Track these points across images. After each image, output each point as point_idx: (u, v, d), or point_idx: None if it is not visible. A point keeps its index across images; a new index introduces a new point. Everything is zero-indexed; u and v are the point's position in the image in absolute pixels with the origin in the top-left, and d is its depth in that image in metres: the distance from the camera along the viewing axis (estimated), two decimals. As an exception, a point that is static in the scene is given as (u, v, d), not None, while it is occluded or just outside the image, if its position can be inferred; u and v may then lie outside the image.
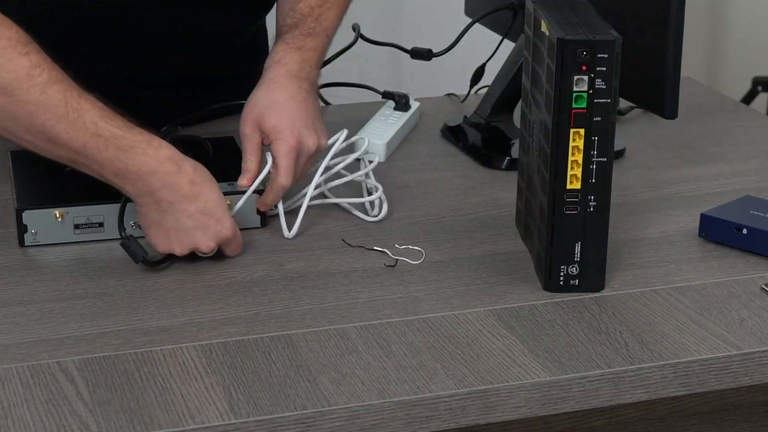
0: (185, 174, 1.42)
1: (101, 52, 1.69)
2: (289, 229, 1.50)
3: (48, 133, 1.40)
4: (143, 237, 1.47)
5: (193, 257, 1.44)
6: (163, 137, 1.61)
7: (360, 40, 1.91)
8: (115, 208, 1.46)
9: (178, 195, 1.41)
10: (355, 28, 1.91)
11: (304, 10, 1.64)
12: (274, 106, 1.54)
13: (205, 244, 1.42)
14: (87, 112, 1.40)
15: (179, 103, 1.81)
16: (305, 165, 1.54)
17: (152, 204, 1.41)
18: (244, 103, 1.63)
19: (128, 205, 1.45)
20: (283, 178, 1.51)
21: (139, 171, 1.40)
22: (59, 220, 1.46)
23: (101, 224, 1.48)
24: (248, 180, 1.51)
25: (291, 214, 1.53)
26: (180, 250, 1.42)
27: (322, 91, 1.95)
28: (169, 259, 1.43)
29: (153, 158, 1.41)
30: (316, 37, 1.63)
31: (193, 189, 1.41)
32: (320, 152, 1.55)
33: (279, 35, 1.63)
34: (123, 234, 1.43)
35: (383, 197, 1.56)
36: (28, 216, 1.45)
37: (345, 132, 1.56)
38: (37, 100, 1.39)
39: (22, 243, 1.46)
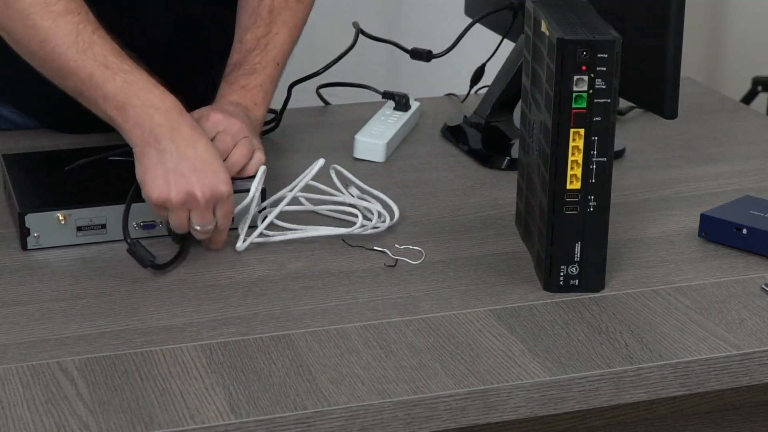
0: (187, 119, 1.43)
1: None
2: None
3: (57, 61, 1.44)
4: (148, 237, 1.47)
5: (194, 258, 1.44)
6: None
7: (360, 40, 1.91)
8: (117, 209, 1.46)
9: (178, 136, 1.41)
10: (355, 25, 1.91)
11: (250, 44, 1.64)
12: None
13: (201, 189, 1.40)
14: (98, 45, 1.43)
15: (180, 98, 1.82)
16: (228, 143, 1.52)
17: (152, 142, 1.41)
18: None
19: (132, 206, 1.45)
20: None
21: (143, 104, 1.42)
22: (62, 222, 1.46)
23: (104, 226, 1.47)
24: None
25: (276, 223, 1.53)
26: (176, 194, 1.40)
27: (322, 91, 1.95)
28: (176, 260, 1.42)
29: (158, 97, 1.43)
30: (262, 72, 1.63)
31: (194, 135, 1.42)
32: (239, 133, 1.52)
33: (224, 75, 1.64)
34: (129, 240, 1.42)
35: (382, 210, 1.54)
36: (30, 219, 1.45)
37: (321, 161, 1.49)
38: (48, 27, 1.43)
39: (24, 247, 1.46)
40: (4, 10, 1.45)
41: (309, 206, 1.54)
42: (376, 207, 1.52)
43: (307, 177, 1.49)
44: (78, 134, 1.80)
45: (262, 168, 1.48)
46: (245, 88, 1.62)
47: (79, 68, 1.43)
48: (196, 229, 1.43)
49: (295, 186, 1.50)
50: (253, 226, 1.50)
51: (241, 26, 1.66)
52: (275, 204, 1.51)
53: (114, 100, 1.43)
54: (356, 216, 1.51)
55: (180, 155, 1.41)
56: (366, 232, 1.50)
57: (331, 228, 1.50)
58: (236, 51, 1.65)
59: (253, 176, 1.49)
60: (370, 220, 1.51)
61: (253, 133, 1.56)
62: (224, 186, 1.42)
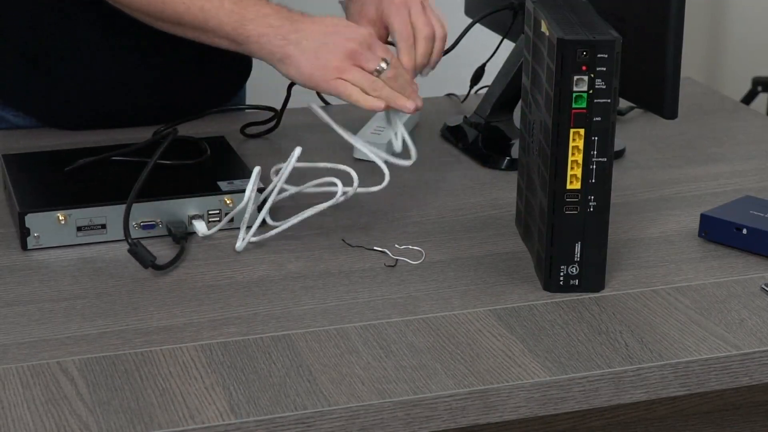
0: (291, 10, 1.53)
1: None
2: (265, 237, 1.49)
3: (167, 10, 1.57)
4: (149, 237, 1.48)
5: (194, 258, 1.45)
6: (162, 138, 1.62)
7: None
8: (117, 209, 1.46)
9: (299, 24, 1.50)
10: None
11: None
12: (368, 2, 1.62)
13: (352, 41, 1.48)
14: None
15: (178, 95, 1.83)
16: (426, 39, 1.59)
17: (284, 43, 1.50)
18: (237, 108, 1.64)
19: (132, 207, 1.45)
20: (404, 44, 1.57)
21: (257, 16, 1.51)
22: (62, 222, 1.46)
23: (104, 226, 1.47)
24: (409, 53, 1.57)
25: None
26: (336, 61, 1.48)
27: (322, 91, 1.95)
28: (177, 260, 1.42)
29: (265, 4, 1.53)
30: None
31: (307, 17, 1.51)
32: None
33: None
34: (130, 240, 1.42)
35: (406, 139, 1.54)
36: (30, 219, 1.45)
37: (299, 150, 1.48)
38: None
39: (24, 247, 1.46)
40: None
41: (293, 189, 1.53)
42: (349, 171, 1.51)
43: (288, 168, 1.47)
44: (79, 132, 1.80)
45: (257, 168, 1.48)
46: None
47: (190, 7, 1.54)
48: (381, 76, 1.49)
49: (279, 180, 1.48)
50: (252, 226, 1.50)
51: None
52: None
53: (230, 23, 1.52)
54: (336, 185, 1.49)
55: (312, 34, 1.49)
56: (343, 199, 1.48)
57: (321, 205, 1.49)
58: None
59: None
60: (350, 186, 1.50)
61: None
62: (362, 30, 1.49)
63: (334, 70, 1.48)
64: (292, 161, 1.47)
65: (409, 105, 1.50)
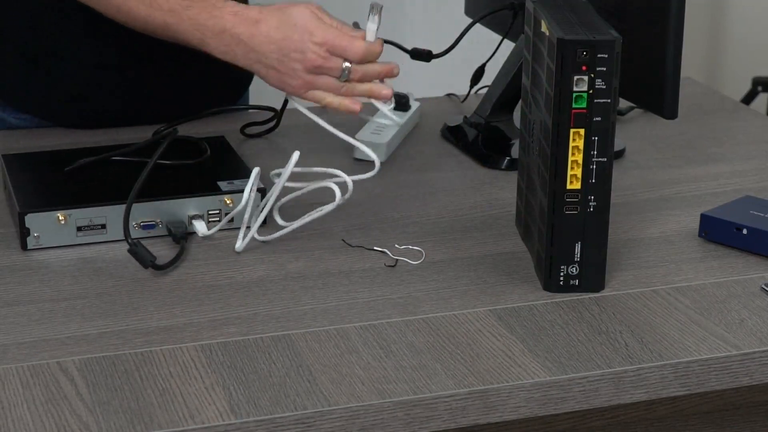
0: (252, 9, 1.53)
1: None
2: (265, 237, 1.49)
3: (137, 20, 1.59)
4: (149, 237, 1.48)
5: (194, 258, 1.45)
6: (162, 138, 1.62)
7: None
8: (117, 209, 1.46)
9: (252, 38, 1.51)
10: (355, 26, 1.91)
11: None
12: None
13: (303, 59, 1.50)
14: None
15: (180, 97, 1.83)
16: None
17: (247, 62, 1.52)
18: (237, 108, 1.62)
19: (132, 207, 1.45)
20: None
21: (213, 34, 1.53)
22: (62, 222, 1.46)
23: (104, 226, 1.47)
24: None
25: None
26: (300, 80, 1.51)
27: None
28: (177, 260, 1.42)
29: (218, 17, 1.54)
30: None
31: (261, 21, 1.51)
32: None
33: None
34: (130, 240, 1.42)
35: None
36: (30, 219, 1.45)
37: (297, 154, 1.46)
38: None
39: (24, 247, 1.46)
40: None
41: (295, 192, 1.52)
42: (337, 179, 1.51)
43: (287, 172, 1.46)
44: (79, 132, 1.81)
45: (256, 169, 1.48)
46: None
47: (153, 20, 1.57)
48: (349, 77, 1.52)
49: (279, 183, 1.48)
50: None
51: None
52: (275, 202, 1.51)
53: (194, 39, 1.56)
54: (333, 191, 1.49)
55: (268, 52, 1.51)
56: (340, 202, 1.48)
57: (323, 208, 1.49)
58: None
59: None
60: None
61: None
62: (314, 37, 1.50)
63: (301, 86, 1.52)
64: (291, 166, 1.46)
65: (385, 93, 1.54)
